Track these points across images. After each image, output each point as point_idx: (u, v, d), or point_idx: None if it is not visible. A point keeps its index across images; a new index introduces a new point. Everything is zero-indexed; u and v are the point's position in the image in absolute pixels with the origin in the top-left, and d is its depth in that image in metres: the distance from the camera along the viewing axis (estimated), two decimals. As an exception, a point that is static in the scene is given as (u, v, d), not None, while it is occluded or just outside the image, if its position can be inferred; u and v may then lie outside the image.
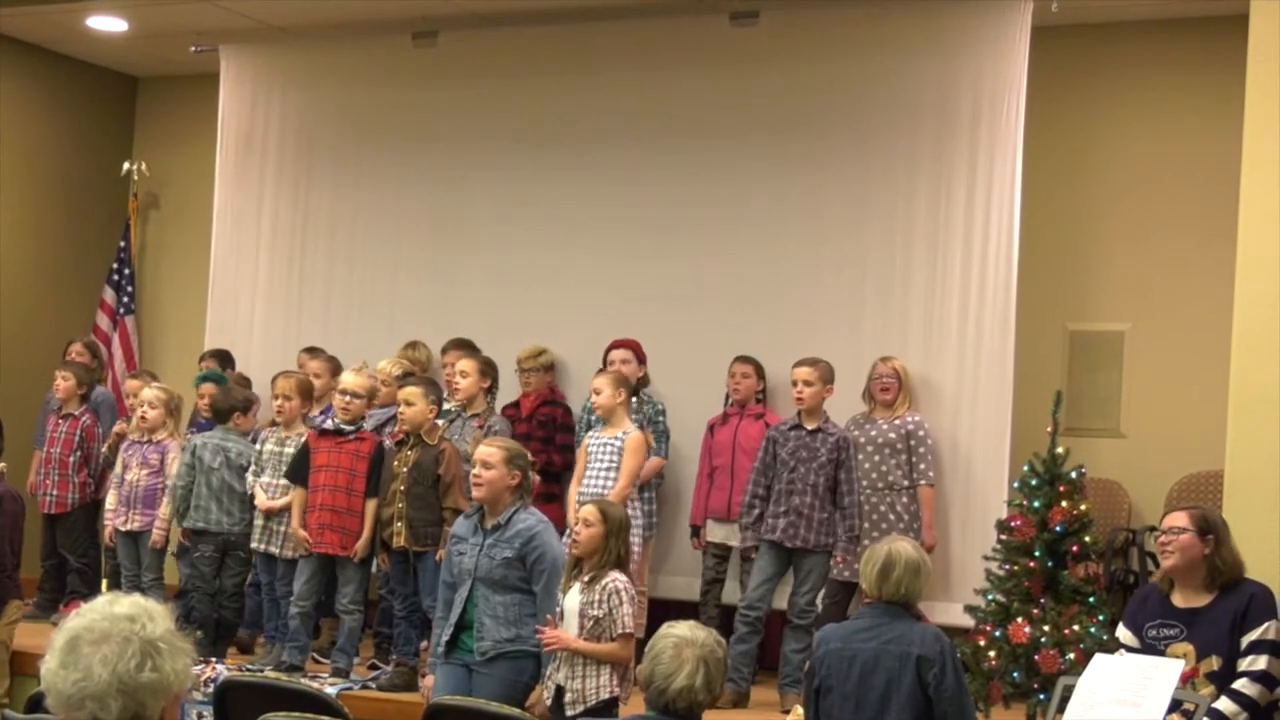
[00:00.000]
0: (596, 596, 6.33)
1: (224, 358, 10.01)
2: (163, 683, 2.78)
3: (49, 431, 9.79)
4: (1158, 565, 8.59)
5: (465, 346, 9.18)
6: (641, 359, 8.95)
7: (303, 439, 8.36)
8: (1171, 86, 9.18)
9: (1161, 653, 5.90)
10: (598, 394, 8.08)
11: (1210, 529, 6.07)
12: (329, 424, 8.30)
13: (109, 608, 2.84)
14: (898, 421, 8.45)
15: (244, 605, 8.94)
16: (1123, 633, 6.21)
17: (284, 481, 8.38)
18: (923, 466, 8.40)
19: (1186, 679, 5.73)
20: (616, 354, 8.89)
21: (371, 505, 8.15)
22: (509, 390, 9.20)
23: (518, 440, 7.78)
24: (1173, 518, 6.17)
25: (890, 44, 9.02)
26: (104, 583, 9.52)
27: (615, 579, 6.36)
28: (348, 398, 8.24)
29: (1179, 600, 6.10)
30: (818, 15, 9.23)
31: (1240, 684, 5.81)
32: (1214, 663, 5.88)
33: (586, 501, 6.92)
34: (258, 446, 8.63)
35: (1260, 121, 7.42)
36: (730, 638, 7.56)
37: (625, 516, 6.65)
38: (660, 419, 8.90)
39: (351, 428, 8.23)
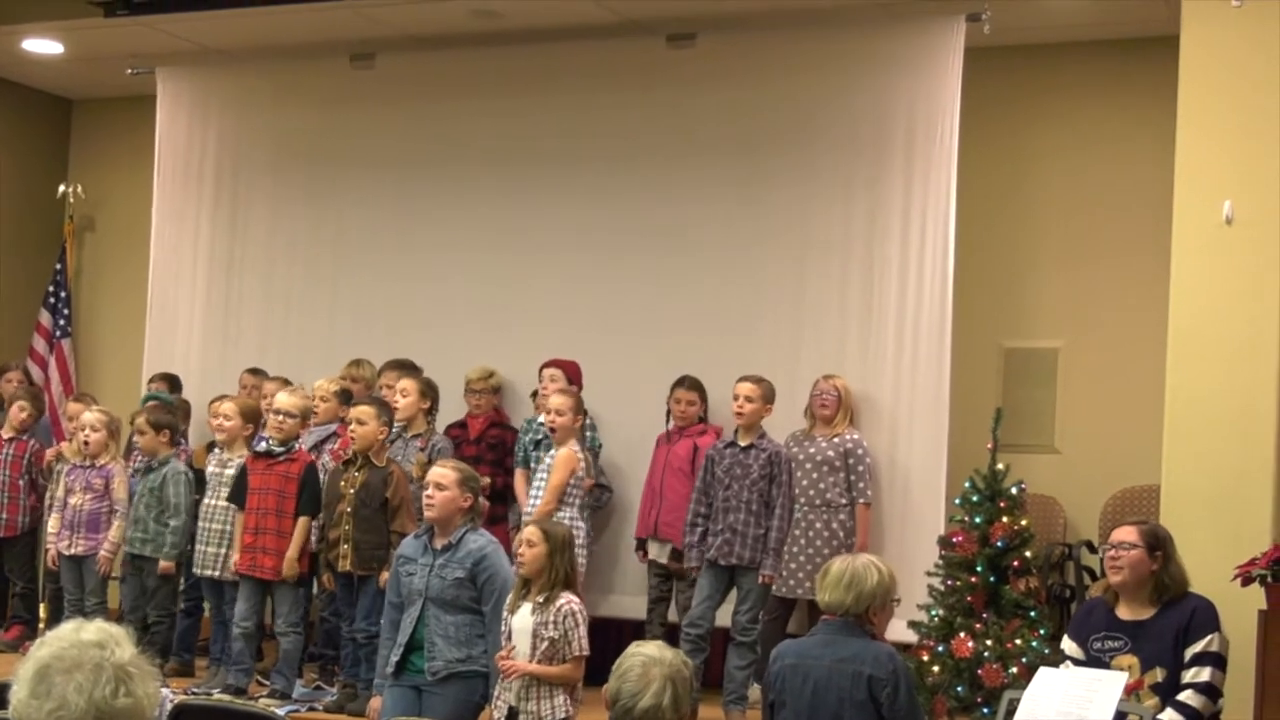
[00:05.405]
0: (551, 618, 6.35)
1: (172, 382, 9.99)
2: (137, 708, 2.79)
3: (-5, 455, 9.72)
4: (1094, 579, 8.75)
5: (405, 367, 9.16)
6: (573, 379, 8.86)
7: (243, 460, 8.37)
8: (1104, 107, 9.30)
9: (1107, 665, 5.93)
10: (560, 415, 8.04)
11: (1159, 545, 6.06)
12: (262, 445, 8.29)
13: (75, 635, 2.83)
14: (836, 439, 8.46)
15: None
16: (1068, 644, 6.23)
17: (223, 503, 8.39)
18: (861, 485, 8.39)
19: (1131, 690, 5.80)
20: (548, 371, 8.86)
21: (303, 523, 8.17)
22: (449, 412, 9.20)
23: (466, 461, 7.80)
24: (1121, 532, 6.15)
25: (825, 66, 9.08)
26: (42, 606, 9.47)
27: (570, 601, 6.40)
28: (281, 417, 8.25)
29: (1124, 613, 6.10)
30: (753, 38, 9.26)
31: (1185, 695, 5.86)
32: (1158, 675, 5.92)
33: (528, 523, 6.95)
34: (210, 468, 8.65)
35: (1192, 141, 7.55)
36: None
37: (568, 533, 6.66)
38: (586, 435, 8.70)
39: (283, 449, 8.23)
